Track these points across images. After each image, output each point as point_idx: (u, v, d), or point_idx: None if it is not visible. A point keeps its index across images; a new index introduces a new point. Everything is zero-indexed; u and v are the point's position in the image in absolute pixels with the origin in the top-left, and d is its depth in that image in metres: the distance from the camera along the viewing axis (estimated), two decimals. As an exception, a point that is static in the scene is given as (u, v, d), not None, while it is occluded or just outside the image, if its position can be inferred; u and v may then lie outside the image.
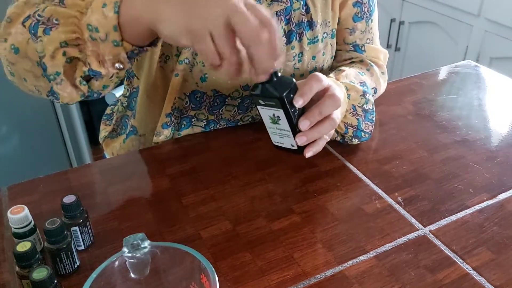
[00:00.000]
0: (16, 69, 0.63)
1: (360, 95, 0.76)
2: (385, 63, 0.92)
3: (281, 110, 0.61)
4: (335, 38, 0.86)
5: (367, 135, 0.78)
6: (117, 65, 0.59)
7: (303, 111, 0.63)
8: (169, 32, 0.54)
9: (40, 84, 0.63)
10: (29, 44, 0.59)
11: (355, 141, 0.79)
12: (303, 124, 0.62)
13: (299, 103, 0.61)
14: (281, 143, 0.67)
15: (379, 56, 0.90)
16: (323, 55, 0.85)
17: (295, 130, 0.63)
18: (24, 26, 0.59)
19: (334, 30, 0.85)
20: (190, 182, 0.74)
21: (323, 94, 0.64)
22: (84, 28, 0.57)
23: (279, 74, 0.60)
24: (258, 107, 0.64)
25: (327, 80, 0.65)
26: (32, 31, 0.58)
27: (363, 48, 0.88)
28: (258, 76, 0.57)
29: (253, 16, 0.51)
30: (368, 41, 0.88)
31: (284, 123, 0.63)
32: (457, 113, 0.92)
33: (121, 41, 0.56)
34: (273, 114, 0.63)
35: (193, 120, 0.85)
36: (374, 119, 0.78)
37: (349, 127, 0.76)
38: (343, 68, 0.81)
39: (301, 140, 0.63)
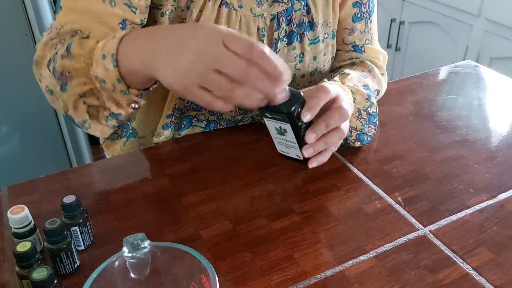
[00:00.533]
0: (57, 107, 0.68)
1: (365, 99, 0.76)
2: (385, 64, 0.91)
3: (288, 124, 0.61)
4: (335, 39, 0.86)
5: (369, 138, 0.78)
6: (132, 105, 0.63)
7: (310, 122, 0.63)
8: (166, 84, 0.56)
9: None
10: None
11: (357, 144, 0.79)
12: (310, 137, 0.62)
13: (306, 117, 0.61)
14: (286, 152, 0.67)
15: (378, 57, 0.90)
16: (324, 55, 0.85)
17: (301, 142, 0.63)
18: (49, 70, 0.64)
19: (334, 30, 0.85)
20: (190, 182, 0.74)
21: (330, 105, 0.64)
22: (94, 79, 0.60)
23: (287, 88, 0.59)
24: (265, 118, 0.63)
25: (334, 90, 0.65)
26: (55, 78, 0.63)
27: (362, 49, 0.88)
28: (265, 101, 0.57)
29: (238, 51, 0.51)
30: (367, 41, 0.88)
31: (290, 135, 0.63)
32: (457, 113, 0.92)
33: (128, 89, 0.60)
34: (280, 127, 0.63)
35: (193, 120, 0.85)
36: (377, 122, 0.79)
37: (353, 130, 0.76)
38: (346, 71, 0.81)
39: (307, 152, 0.63)
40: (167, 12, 0.72)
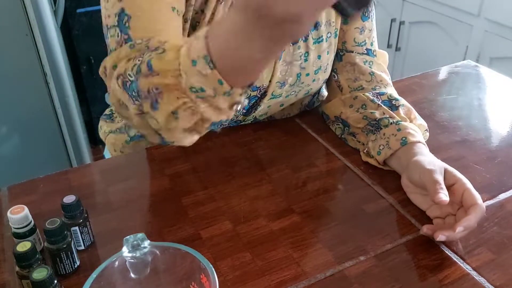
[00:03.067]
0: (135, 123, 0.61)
1: (425, 130, 0.82)
2: (386, 65, 0.92)
3: None
4: (337, 38, 0.86)
5: None
6: (234, 107, 0.55)
7: None
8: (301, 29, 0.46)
9: (152, 138, 0.61)
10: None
11: None
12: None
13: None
14: None
15: (385, 60, 0.90)
16: (327, 54, 0.85)
17: None
18: (119, 84, 0.59)
19: (337, 30, 0.85)
20: (190, 182, 0.74)
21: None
22: (187, 91, 0.53)
23: None
24: None
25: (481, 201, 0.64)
26: (133, 98, 0.57)
27: (375, 53, 0.88)
28: None
29: None
30: (373, 39, 0.88)
31: None
32: (457, 113, 0.92)
33: (231, 88, 0.51)
34: None
35: None
36: None
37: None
38: (401, 101, 0.82)
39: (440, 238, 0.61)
40: (189, 17, 0.71)
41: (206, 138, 0.85)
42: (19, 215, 0.58)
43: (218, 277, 0.45)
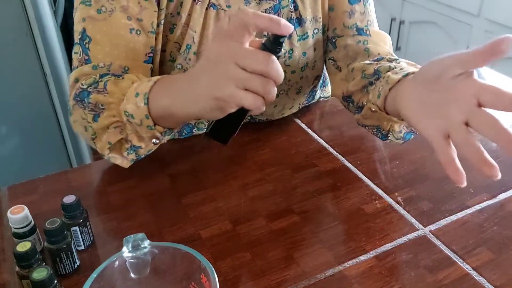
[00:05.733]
0: (86, 135, 0.72)
1: None
2: (391, 49, 0.85)
3: None
4: (336, 26, 0.83)
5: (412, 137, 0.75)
6: (153, 140, 0.68)
7: None
8: (202, 108, 0.57)
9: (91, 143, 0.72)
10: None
11: (399, 142, 0.75)
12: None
13: None
14: None
15: (385, 41, 0.83)
16: (314, 51, 0.84)
17: None
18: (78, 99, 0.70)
19: (324, 25, 0.84)
20: (190, 182, 0.74)
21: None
22: (122, 113, 0.65)
23: None
24: None
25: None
26: (82, 107, 0.69)
27: (367, 32, 0.82)
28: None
29: (256, 69, 0.53)
30: (368, 23, 0.83)
31: None
32: (457, 113, 0.92)
33: (154, 125, 0.64)
34: None
35: (194, 130, 0.85)
36: None
37: (404, 128, 0.72)
38: (401, 59, 0.74)
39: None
40: (161, 21, 0.73)
41: (206, 138, 0.85)
42: (19, 215, 0.58)
43: (218, 277, 0.45)
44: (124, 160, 0.71)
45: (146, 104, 0.62)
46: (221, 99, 0.54)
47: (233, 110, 0.55)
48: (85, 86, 0.68)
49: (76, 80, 0.71)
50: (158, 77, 0.64)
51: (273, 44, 0.54)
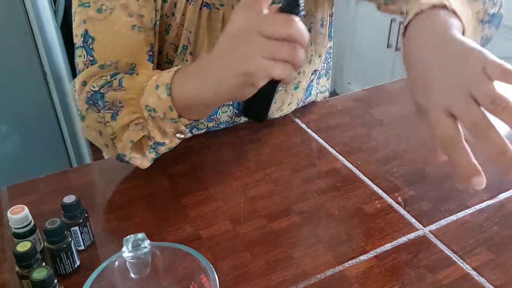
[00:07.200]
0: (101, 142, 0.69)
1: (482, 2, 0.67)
2: None
3: None
4: (327, 25, 0.84)
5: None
6: (178, 135, 0.65)
7: None
8: (232, 93, 0.56)
9: (111, 153, 0.70)
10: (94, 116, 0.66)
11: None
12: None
13: None
14: None
15: None
16: (310, 45, 0.84)
17: None
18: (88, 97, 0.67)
19: (323, 19, 0.84)
20: (190, 182, 0.74)
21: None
22: (143, 108, 0.62)
23: None
24: None
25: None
26: (96, 109, 0.65)
27: None
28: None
29: (282, 34, 0.51)
30: None
31: None
32: (457, 113, 0.92)
33: (178, 117, 0.61)
34: None
35: (193, 130, 0.85)
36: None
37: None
38: None
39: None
40: (157, 22, 0.73)
41: (206, 137, 0.85)
42: (19, 215, 0.58)
43: (218, 277, 0.45)
44: (144, 160, 0.68)
45: (169, 95, 0.59)
46: (250, 73, 0.52)
47: (263, 83, 0.53)
48: (96, 88, 0.66)
49: (84, 83, 0.69)
50: (178, 67, 0.62)
51: (291, 6, 0.52)
